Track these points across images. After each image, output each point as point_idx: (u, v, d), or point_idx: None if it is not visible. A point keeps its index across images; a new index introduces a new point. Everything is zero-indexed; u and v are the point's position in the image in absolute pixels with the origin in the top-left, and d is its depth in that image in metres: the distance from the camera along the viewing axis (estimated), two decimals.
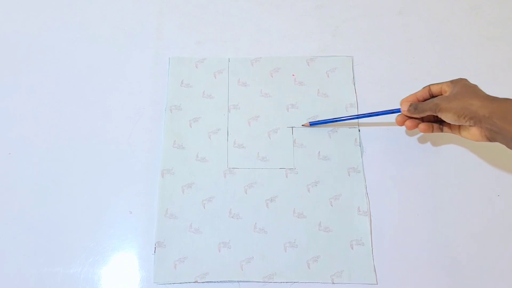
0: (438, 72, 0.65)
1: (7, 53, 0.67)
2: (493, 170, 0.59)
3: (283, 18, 0.69)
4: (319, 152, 0.60)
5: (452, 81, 0.51)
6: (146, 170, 0.59)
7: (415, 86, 0.64)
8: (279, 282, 0.54)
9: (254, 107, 0.63)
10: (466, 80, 0.51)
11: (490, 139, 0.47)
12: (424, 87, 0.54)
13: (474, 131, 0.48)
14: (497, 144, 0.60)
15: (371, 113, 0.57)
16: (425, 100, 0.53)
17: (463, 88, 0.48)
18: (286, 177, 0.59)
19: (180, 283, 0.54)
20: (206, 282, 0.54)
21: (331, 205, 0.57)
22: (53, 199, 0.58)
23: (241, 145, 0.61)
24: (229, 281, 0.54)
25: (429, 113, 0.51)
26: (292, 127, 0.62)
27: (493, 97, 0.47)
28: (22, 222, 0.57)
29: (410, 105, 0.53)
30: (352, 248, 0.55)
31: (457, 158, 0.60)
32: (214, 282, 0.54)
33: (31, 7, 0.70)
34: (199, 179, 0.59)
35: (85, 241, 0.56)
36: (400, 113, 0.55)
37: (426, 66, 0.65)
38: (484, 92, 0.48)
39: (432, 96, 0.53)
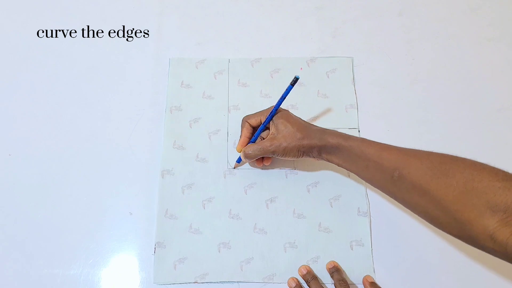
0: (437, 73, 0.65)
1: (7, 54, 0.67)
2: None
3: (283, 19, 0.69)
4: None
5: (273, 120, 0.53)
6: (146, 171, 0.59)
7: (414, 87, 0.64)
8: (279, 283, 0.54)
9: (254, 107, 0.62)
10: (284, 114, 0.53)
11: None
12: (243, 123, 0.56)
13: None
14: (498, 147, 0.60)
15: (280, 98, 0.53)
16: (251, 134, 0.56)
17: (285, 127, 0.52)
18: (286, 177, 0.59)
19: (180, 283, 0.54)
20: (206, 282, 0.54)
21: (331, 206, 0.57)
22: (53, 200, 0.58)
23: None
24: (229, 282, 0.54)
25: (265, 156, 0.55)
26: None
27: (313, 130, 0.52)
28: (22, 223, 0.57)
29: (245, 155, 0.55)
30: (352, 249, 0.55)
31: None
32: (214, 282, 0.54)
33: (32, 8, 0.70)
34: (199, 179, 0.59)
35: (85, 242, 0.56)
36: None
37: (426, 67, 0.66)
38: (302, 122, 0.53)
39: (253, 127, 0.56)
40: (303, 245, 0.55)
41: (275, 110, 0.53)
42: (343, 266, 0.54)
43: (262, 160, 0.58)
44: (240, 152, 0.56)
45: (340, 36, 0.68)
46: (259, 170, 0.59)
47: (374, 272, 0.54)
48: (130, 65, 0.66)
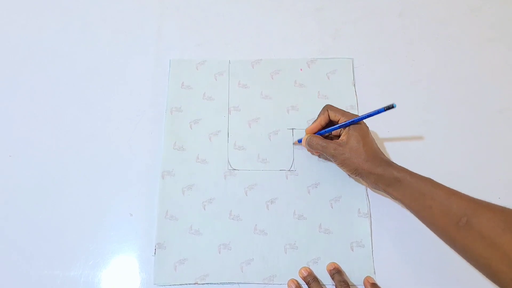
0: (438, 74, 0.65)
1: (8, 56, 0.67)
2: (493, 173, 0.59)
3: (284, 20, 0.69)
4: (319, 154, 0.60)
5: (350, 128, 0.52)
6: (147, 172, 0.59)
7: (415, 88, 0.64)
8: (279, 284, 0.54)
9: (255, 109, 0.63)
10: (362, 129, 0.52)
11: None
12: (323, 110, 0.55)
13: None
14: (498, 148, 0.60)
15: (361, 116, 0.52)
16: (326, 123, 0.55)
17: (357, 143, 0.51)
18: (287, 178, 0.59)
19: (180, 284, 0.54)
20: (206, 283, 0.54)
21: (332, 207, 0.57)
22: (53, 201, 0.58)
23: (241, 146, 0.61)
24: (229, 283, 0.54)
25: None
26: (292, 128, 0.62)
27: (380, 158, 0.51)
28: (22, 224, 0.57)
29: (307, 142, 0.55)
30: (353, 250, 0.55)
31: (457, 160, 0.60)
32: (214, 284, 0.54)
33: (32, 9, 0.70)
34: (199, 180, 0.59)
35: (85, 244, 0.56)
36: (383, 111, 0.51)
37: (426, 68, 0.66)
38: (375, 147, 0.52)
39: (331, 119, 0.55)
40: (303, 246, 0.55)
41: (356, 121, 0.52)
42: (344, 267, 0.54)
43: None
44: (307, 133, 0.56)
45: (340, 37, 0.68)
46: (259, 172, 0.59)
47: (375, 273, 0.54)
48: (130, 66, 0.66)
